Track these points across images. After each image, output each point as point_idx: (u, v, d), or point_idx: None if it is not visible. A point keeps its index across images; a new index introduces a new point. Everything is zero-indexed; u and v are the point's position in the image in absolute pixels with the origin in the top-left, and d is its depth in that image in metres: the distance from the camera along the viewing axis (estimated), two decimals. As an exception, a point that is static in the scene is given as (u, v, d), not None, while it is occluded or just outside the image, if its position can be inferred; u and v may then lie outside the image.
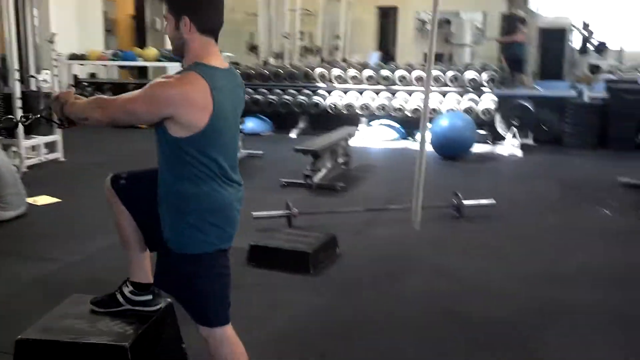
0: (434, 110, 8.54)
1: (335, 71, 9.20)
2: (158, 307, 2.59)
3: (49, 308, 3.33)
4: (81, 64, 10.37)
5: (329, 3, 14.45)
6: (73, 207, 5.58)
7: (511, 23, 17.21)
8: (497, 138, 8.56)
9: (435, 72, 8.87)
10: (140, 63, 10.67)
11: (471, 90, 8.71)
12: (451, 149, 7.46)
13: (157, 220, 2.36)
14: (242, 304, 2.74)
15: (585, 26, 15.27)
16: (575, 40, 16.38)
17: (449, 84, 8.80)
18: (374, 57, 14.74)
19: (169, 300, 2.64)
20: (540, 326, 3.34)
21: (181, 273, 2.26)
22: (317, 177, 6.23)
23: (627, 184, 6.26)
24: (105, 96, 2.31)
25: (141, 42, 13.71)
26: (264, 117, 9.37)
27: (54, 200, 5.69)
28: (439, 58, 14.53)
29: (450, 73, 8.81)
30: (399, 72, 8.96)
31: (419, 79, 8.89)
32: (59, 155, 7.42)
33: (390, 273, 4.15)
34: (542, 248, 4.60)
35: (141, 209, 2.44)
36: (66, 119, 2.32)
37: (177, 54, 2.25)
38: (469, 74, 8.70)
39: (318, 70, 9.40)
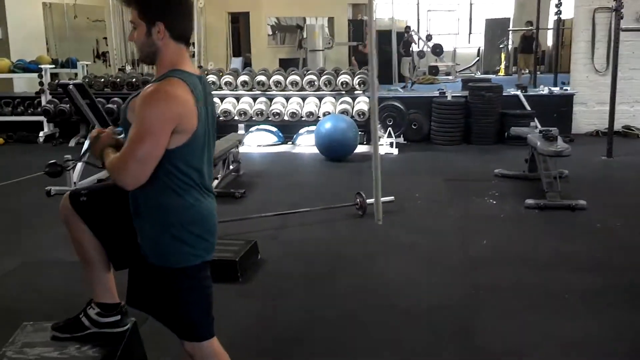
0: (311, 114, 8.69)
1: (209, 77, 9.04)
2: (126, 327, 2.43)
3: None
4: None
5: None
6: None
7: (357, 28, 18.07)
8: (369, 139, 8.87)
9: (308, 77, 9.05)
10: (-10, 75, 9.84)
11: (344, 93, 8.97)
12: (336, 150, 7.65)
13: (122, 237, 2.25)
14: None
15: (407, 29, 16.33)
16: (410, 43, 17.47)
17: (324, 87, 8.98)
18: (237, 63, 14.70)
19: (133, 319, 2.49)
20: (475, 310, 3.57)
21: (166, 289, 2.16)
22: (214, 185, 6.09)
23: (500, 175, 6.78)
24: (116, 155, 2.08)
25: (-19, 53, 12.58)
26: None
27: None
28: (293, 63, 14.86)
29: (323, 77, 9.00)
30: (275, 77, 9.00)
31: (294, 84, 9.01)
32: None
33: (317, 274, 4.19)
34: (450, 238, 4.87)
35: (104, 226, 2.30)
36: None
37: (147, 62, 2.17)
38: (342, 78, 8.95)
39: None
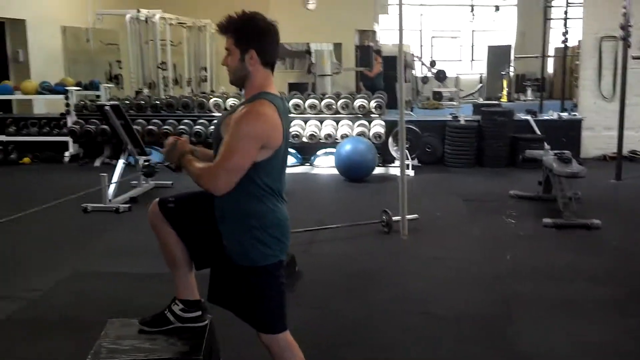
0: (329, 136, 9.00)
1: (231, 101, 9.37)
2: (206, 322, 2.68)
3: (33, 344, 3.43)
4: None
5: (192, 34, 14.61)
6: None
7: (364, 54, 18.47)
8: (385, 160, 9.18)
9: (326, 101, 9.37)
10: (19, 96, 10.14)
11: (361, 116, 9.28)
12: (356, 171, 7.94)
13: (205, 239, 2.52)
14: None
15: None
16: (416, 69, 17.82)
17: (341, 111, 9.30)
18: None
19: (210, 316, 2.75)
20: (510, 318, 3.84)
21: (248, 285, 2.43)
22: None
23: (516, 195, 7.06)
24: (205, 165, 2.35)
25: (2, 75, 12.90)
26: (157, 148, 9.26)
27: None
28: (302, 87, 15.20)
29: (341, 101, 9.32)
30: (294, 101, 9.31)
31: (312, 107, 9.33)
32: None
33: (352, 285, 4.45)
34: (474, 253, 5.14)
35: (189, 229, 2.56)
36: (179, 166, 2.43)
37: (237, 84, 2.45)
38: (359, 102, 9.27)
39: (213, 100, 9.52)
